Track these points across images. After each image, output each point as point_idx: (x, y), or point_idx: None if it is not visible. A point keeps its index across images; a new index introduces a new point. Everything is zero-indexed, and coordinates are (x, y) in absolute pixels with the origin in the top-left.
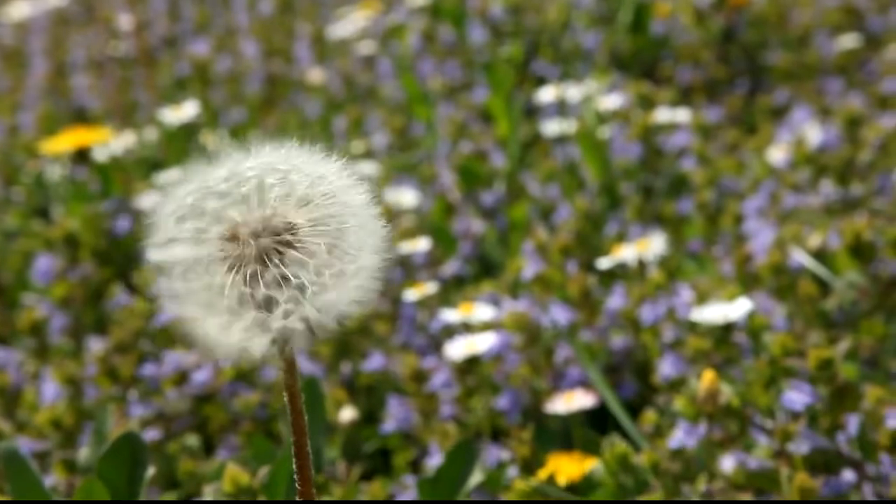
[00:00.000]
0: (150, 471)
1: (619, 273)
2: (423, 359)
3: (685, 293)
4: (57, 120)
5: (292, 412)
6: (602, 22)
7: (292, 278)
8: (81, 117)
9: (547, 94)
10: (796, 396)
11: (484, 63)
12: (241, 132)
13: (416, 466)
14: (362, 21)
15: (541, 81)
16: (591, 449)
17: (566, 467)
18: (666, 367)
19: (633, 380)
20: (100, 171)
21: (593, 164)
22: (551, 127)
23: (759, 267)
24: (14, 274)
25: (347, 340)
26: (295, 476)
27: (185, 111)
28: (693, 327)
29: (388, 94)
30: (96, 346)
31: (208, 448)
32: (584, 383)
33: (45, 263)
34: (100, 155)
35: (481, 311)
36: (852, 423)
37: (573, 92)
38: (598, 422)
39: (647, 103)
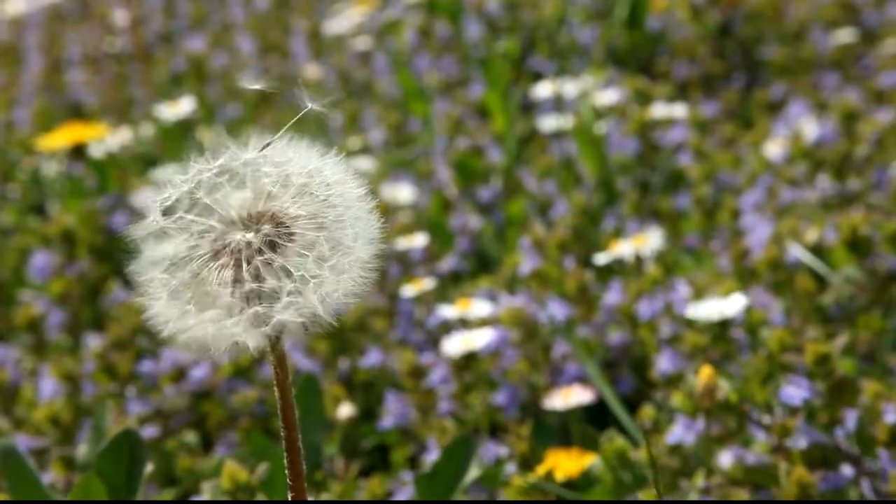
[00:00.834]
0: (149, 468)
1: (616, 268)
2: (420, 355)
3: (682, 288)
4: (53, 116)
5: (283, 406)
6: (598, 17)
7: (292, 272)
8: (77, 113)
9: (543, 90)
10: (794, 391)
11: (480, 59)
12: (237, 128)
13: (414, 462)
14: (358, 17)
15: (537, 77)
16: (590, 445)
17: (564, 463)
18: (663, 363)
19: (630, 375)
20: (96, 167)
21: (590, 160)
22: (548, 122)
23: (756, 262)
24: (11, 270)
25: (345, 337)
26: (286, 471)
27: (181, 107)
28: (690, 323)
29: (384, 90)
30: (94, 342)
31: (206, 445)
32: (582, 379)
33: (41, 260)
34: (96, 151)
35: (478, 307)
36: (850, 418)
37: (569, 87)
38: (596, 417)
39: (644, 98)
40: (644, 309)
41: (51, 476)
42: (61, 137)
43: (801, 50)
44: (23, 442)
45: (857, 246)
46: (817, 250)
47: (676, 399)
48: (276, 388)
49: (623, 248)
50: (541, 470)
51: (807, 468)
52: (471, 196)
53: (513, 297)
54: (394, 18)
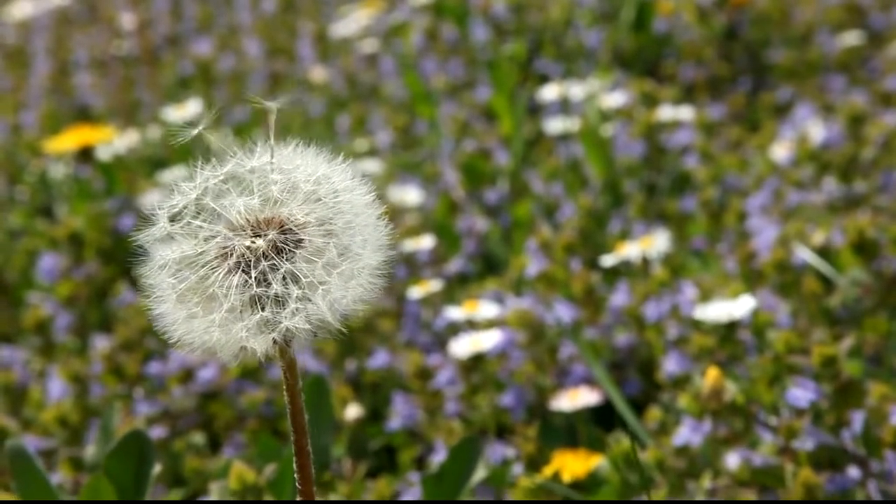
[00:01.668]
0: (157, 468)
1: (622, 270)
2: (427, 356)
3: (689, 290)
4: (60, 119)
5: (292, 411)
6: (605, 20)
7: (301, 277)
8: (85, 116)
9: (550, 92)
10: (800, 393)
11: (487, 61)
12: (244, 131)
13: (421, 463)
14: (365, 19)
15: (544, 79)
16: (596, 446)
17: (571, 464)
18: (670, 365)
19: (637, 377)
20: (103, 169)
21: (596, 162)
22: (554, 125)
23: (762, 264)
24: (19, 273)
25: (352, 338)
26: (295, 475)
27: (188, 110)
28: (697, 324)
29: (391, 93)
30: (102, 344)
31: (214, 445)
32: (589, 380)
33: (49, 262)
34: (103, 154)
35: (485, 309)
36: (857, 419)
37: (576, 90)
38: (602, 419)
39: (650, 101)
40: (651, 311)
41: (59, 476)
42: (69, 140)
43: (808, 53)
44: (31, 443)
45: (864, 248)
46: (824, 253)
47: (683, 400)
48: (285, 393)
49: (630, 250)
50: (548, 471)
51: (813, 469)
52: (478, 198)
53: (520, 299)
54: (400, 21)
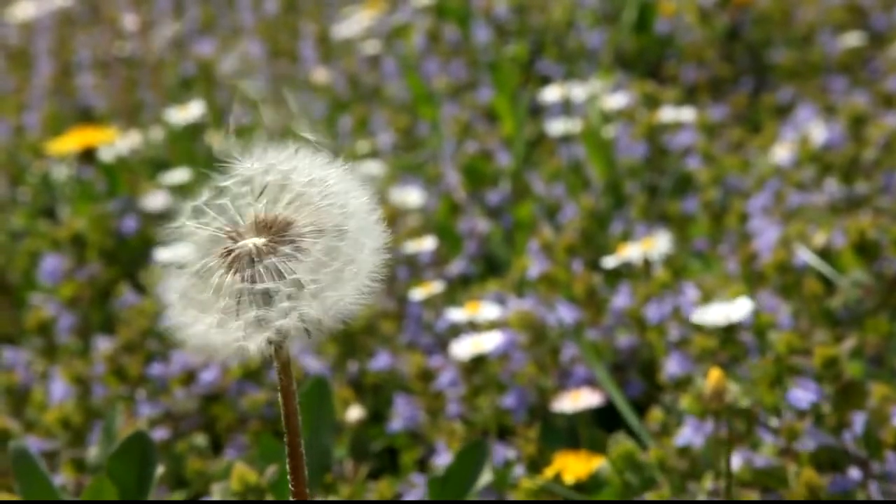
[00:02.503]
0: (160, 470)
1: (624, 272)
2: (429, 358)
3: (690, 292)
4: (63, 120)
5: (286, 413)
6: (606, 21)
7: (290, 277)
8: (87, 117)
9: (552, 94)
10: (802, 394)
11: (489, 62)
12: (246, 132)
13: (423, 465)
14: (367, 21)
15: (545, 81)
16: (598, 447)
17: (573, 466)
18: (672, 366)
19: (639, 378)
20: (106, 171)
21: (598, 163)
22: (556, 126)
23: (764, 265)
24: (21, 274)
25: (354, 339)
26: (288, 476)
27: (190, 111)
28: (699, 326)
29: (393, 94)
30: (104, 345)
31: (216, 447)
32: (591, 382)
33: (52, 263)
34: (106, 155)
35: (487, 310)
36: (858, 420)
37: (578, 91)
38: (604, 420)
39: (652, 102)
40: (652, 312)
41: (62, 478)
42: (71, 141)
43: (810, 53)
44: (34, 444)
45: (865, 249)
46: (825, 254)
47: (685, 402)
48: (279, 394)
49: (631, 252)
50: (549, 472)
51: (815, 471)
52: (479, 199)
53: (521, 301)
54: (402, 22)
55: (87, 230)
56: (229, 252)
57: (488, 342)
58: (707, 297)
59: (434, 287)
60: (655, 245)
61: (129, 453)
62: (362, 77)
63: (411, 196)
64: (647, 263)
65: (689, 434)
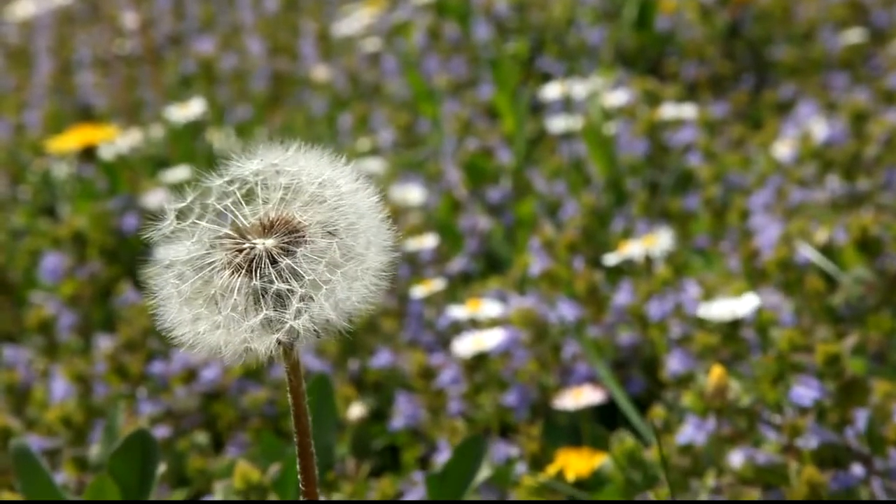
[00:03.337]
0: (161, 468)
1: (625, 269)
2: (430, 355)
3: (692, 289)
4: (63, 118)
5: (296, 413)
6: (607, 18)
7: (308, 278)
8: (87, 115)
9: (552, 91)
10: (804, 391)
11: (489, 60)
12: (246, 130)
13: (424, 463)
14: (367, 18)
15: (546, 78)
16: (600, 445)
17: (575, 463)
18: (674, 363)
19: (640, 376)
20: (106, 169)
21: (599, 161)
22: (557, 123)
23: (765, 262)
24: (22, 272)
25: (355, 338)
26: (299, 476)
27: (191, 109)
28: (700, 323)
29: (393, 92)
30: (105, 343)
31: (217, 445)
32: (592, 379)
33: (52, 262)
34: (106, 153)
35: (488, 308)
36: (860, 417)
37: (579, 88)
38: (606, 417)
39: (653, 99)
40: (654, 309)
41: (63, 476)
42: (71, 139)
43: (811, 50)
44: (35, 442)
45: (867, 246)
46: (827, 251)
47: (687, 399)
48: (289, 395)
49: (633, 249)
50: (551, 470)
51: (817, 468)
52: (480, 197)
53: (523, 298)
54: (403, 20)
55: (87, 228)
56: (237, 253)
57: (490, 340)
58: (709, 294)
59: (435, 285)
60: (657, 242)
61: (130, 452)
62: (363, 74)
63: (412, 193)
64: (649, 260)
65: (691, 432)
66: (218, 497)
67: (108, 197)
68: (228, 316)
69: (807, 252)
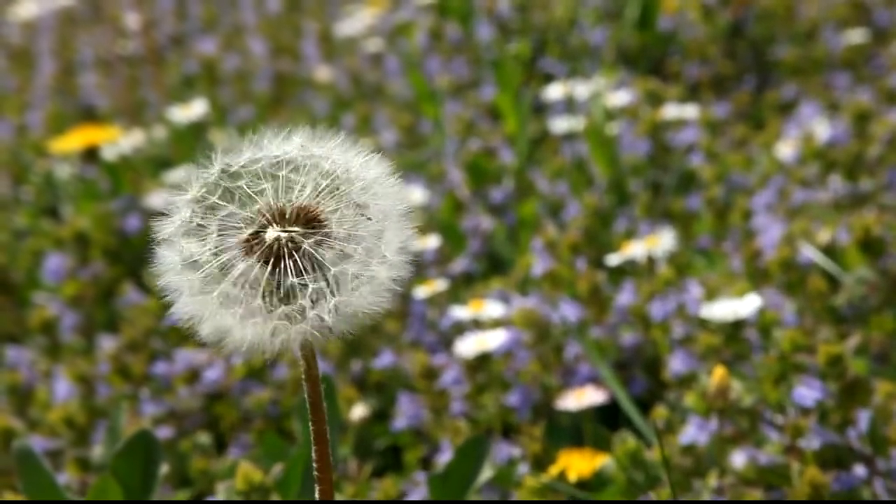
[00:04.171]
0: (164, 469)
1: (628, 269)
2: (433, 356)
3: (695, 289)
4: (65, 119)
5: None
6: (609, 18)
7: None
8: (90, 116)
9: (555, 91)
10: (807, 392)
11: (491, 60)
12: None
13: (427, 463)
14: (369, 19)
15: (548, 78)
16: (602, 445)
17: (577, 463)
18: (676, 364)
19: (643, 376)
20: (109, 169)
21: (601, 161)
22: (559, 124)
23: (768, 262)
24: (24, 273)
25: (358, 338)
26: (314, 463)
27: (193, 109)
28: (703, 323)
29: (395, 92)
30: (108, 344)
31: (220, 446)
32: (595, 380)
33: (55, 262)
34: (109, 154)
35: (491, 308)
36: (863, 418)
37: (581, 89)
38: (608, 418)
39: (655, 99)
40: (656, 310)
41: (66, 477)
42: (74, 140)
43: (813, 50)
44: (38, 443)
45: (870, 246)
46: (830, 251)
47: (689, 399)
48: (305, 383)
49: (635, 249)
50: (553, 470)
51: (819, 468)
52: (483, 197)
53: (525, 299)
54: (405, 20)
55: (90, 229)
56: (256, 243)
57: (492, 340)
58: (711, 295)
59: (438, 285)
60: (659, 242)
61: (133, 452)
62: (365, 75)
63: (414, 194)
64: (651, 261)
65: (694, 432)
66: (220, 498)
67: (110, 197)
68: (245, 307)
69: (809, 252)
